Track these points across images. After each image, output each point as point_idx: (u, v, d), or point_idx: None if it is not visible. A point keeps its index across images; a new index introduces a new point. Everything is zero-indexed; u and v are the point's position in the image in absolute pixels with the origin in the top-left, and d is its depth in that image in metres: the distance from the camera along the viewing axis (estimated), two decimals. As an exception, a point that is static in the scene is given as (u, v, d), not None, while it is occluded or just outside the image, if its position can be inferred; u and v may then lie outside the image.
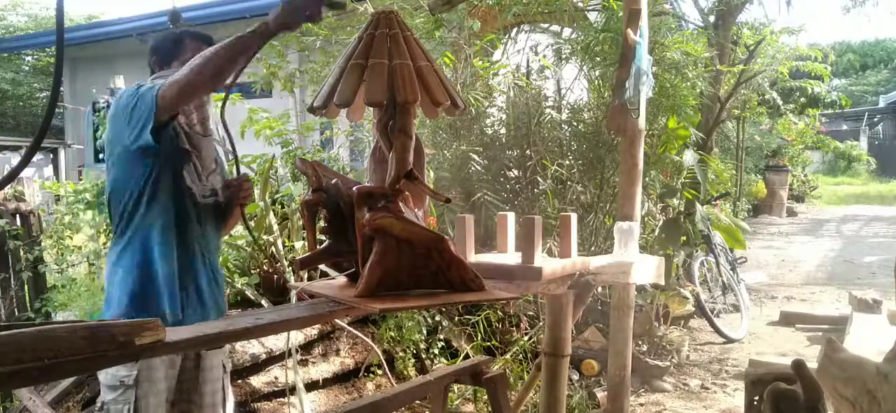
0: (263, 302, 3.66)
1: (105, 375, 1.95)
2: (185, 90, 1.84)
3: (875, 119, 24.80)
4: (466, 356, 3.92)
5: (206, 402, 2.10)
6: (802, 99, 11.65)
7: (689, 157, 4.95)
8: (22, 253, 3.98)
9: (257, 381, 3.31)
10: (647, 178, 4.78)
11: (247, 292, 3.69)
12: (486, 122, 5.19)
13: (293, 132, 5.15)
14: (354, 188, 1.57)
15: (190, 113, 2.04)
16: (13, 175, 1.25)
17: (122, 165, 1.97)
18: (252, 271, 3.81)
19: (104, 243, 4.34)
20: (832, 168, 22.35)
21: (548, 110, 5.16)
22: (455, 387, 3.48)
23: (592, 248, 4.62)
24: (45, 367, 1.03)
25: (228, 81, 1.87)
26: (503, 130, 5.26)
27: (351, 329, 3.71)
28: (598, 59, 5.19)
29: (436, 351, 4.02)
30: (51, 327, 1.08)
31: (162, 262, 1.95)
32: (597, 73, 5.29)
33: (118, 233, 2.01)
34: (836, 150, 16.20)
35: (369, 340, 3.72)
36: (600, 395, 3.98)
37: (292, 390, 3.27)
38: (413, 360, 3.91)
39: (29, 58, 14.13)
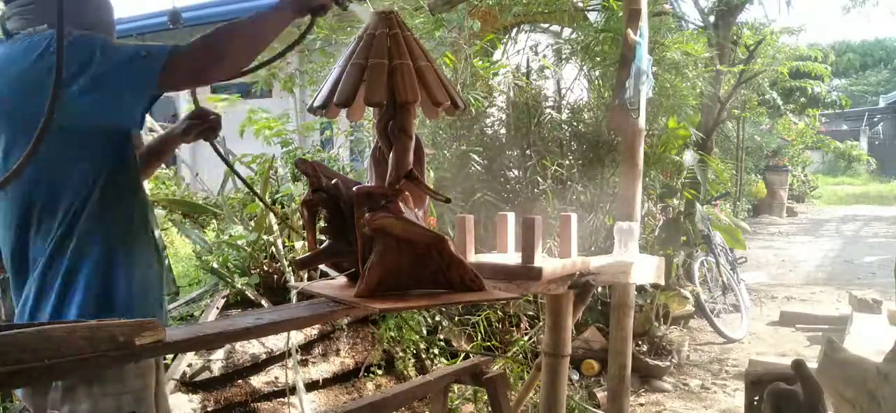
0: (263, 302, 3.67)
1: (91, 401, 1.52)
2: (214, 67, 1.53)
3: (875, 119, 24.81)
4: (466, 356, 3.92)
5: None
6: (802, 99, 11.67)
7: (689, 157, 4.96)
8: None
9: (257, 381, 3.30)
10: (647, 178, 4.79)
11: (247, 292, 3.70)
12: (486, 122, 5.19)
13: (293, 132, 5.15)
14: (354, 188, 1.58)
15: None
16: (13, 175, 1.24)
17: (58, 147, 1.48)
18: (252, 271, 3.81)
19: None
20: (832, 168, 22.35)
21: (548, 110, 5.16)
22: (455, 387, 3.48)
23: (592, 248, 4.62)
24: (45, 368, 1.03)
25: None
26: (503, 130, 5.26)
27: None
28: (598, 59, 5.19)
29: (436, 351, 4.03)
30: (51, 327, 1.08)
31: (134, 274, 1.59)
32: (597, 73, 5.29)
33: (52, 244, 1.54)
34: (836, 150, 16.21)
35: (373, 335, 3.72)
36: (600, 395, 3.98)
37: (292, 390, 3.27)
38: (413, 360, 3.91)
39: (29, 58, 14.15)
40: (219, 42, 1.53)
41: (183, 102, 10.37)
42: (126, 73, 1.47)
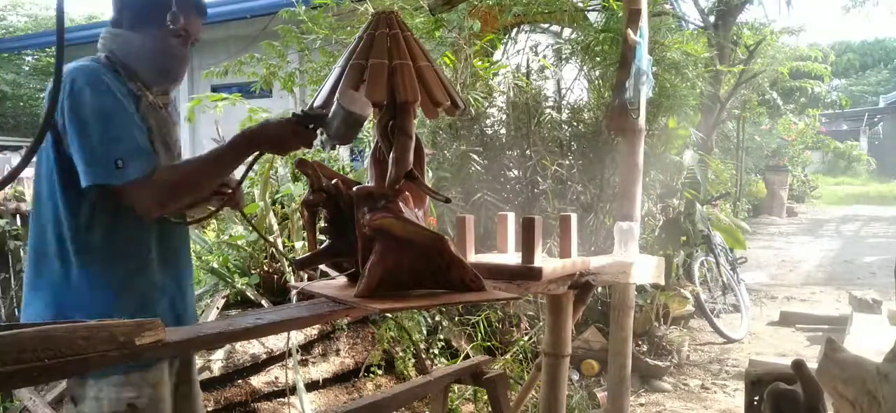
0: (263, 302, 3.67)
1: (96, 403, 1.58)
2: (170, 199, 1.59)
3: (875, 119, 24.79)
4: (466, 356, 3.92)
5: None
6: (802, 99, 11.67)
7: (689, 157, 4.96)
8: (22, 253, 3.98)
9: (257, 381, 3.31)
10: (647, 178, 4.79)
11: (247, 292, 3.70)
12: (486, 122, 5.18)
13: (293, 132, 5.14)
14: (354, 188, 1.58)
15: (163, 91, 1.74)
16: (13, 175, 1.24)
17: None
18: (252, 271, 3.81)
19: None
20: (832, 168, 22.33)
21: (548, 110, 5.16)
22: (455, 387, 3.48)
23: (592, 248, 4.62)
24: (46, 367, 1.03)
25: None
26: (503, 130, 5.26)
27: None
28: (598, 59, 5.19)
29: (436, 351, 4.03)
30: (51, 327, 1.08)
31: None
32: (597, 73, 5.29)
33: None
34: (836, 150, 16.18)
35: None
36: (600, 395, 3.98)
37: (292, 390, 3.27)
38: (413, 361, 3.91)
39: (29, 58, 14.11)
40: (173, 184, 1.60)
41: (184, 102, 10.36)
42: (93, 158, 1.52)
